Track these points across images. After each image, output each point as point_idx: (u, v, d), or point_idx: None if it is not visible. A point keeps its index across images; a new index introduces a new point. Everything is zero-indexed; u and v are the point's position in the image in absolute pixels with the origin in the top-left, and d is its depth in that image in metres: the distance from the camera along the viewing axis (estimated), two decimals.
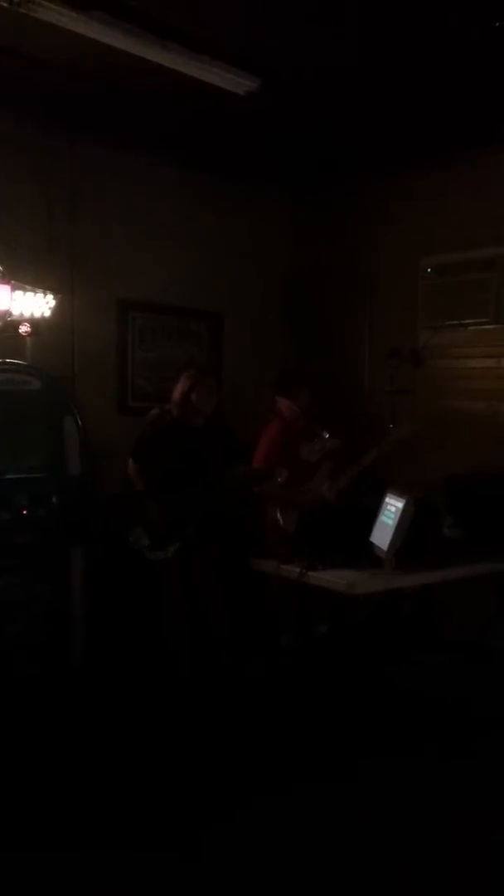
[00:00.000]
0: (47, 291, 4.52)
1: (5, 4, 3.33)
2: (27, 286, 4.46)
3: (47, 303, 4.53)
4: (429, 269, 5.43)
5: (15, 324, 4.45)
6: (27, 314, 4.46)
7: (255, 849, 3.06)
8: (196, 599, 4.40)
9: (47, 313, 4.54)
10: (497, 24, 3.60)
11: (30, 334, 4.49)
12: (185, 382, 4.39)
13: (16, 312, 4.42)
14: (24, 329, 4.46)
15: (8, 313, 4.39)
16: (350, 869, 2.95)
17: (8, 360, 4.39)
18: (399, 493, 3.85)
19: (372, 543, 3.92)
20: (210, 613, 4.44)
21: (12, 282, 4.38)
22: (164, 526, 4.24)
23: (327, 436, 4.77)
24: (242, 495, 4.46)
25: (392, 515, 3.81)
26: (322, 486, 4.81)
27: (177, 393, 4.41)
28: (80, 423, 4.54)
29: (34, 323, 4.49)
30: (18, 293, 4.41)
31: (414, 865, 2.98)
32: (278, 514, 4.71)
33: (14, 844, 3.07)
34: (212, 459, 4.28)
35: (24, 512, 4.31)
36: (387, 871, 2.94)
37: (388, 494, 3.93)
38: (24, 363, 4.47)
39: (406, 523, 3.73)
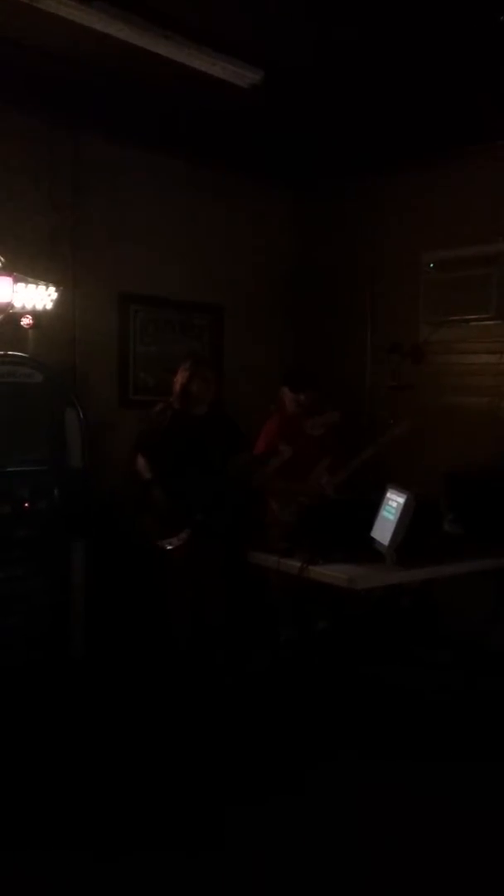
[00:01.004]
0: (49, 284, 4.51)
1: None
2: (29, 278, 4.45)
3: (49, 295, 4.52)
4: (430, 265, 5.42)
5: (17, 316, 4.44)
6: (29, 306, 4.46)
7: (252, 846, 3.06)
8: (198, 591, 4.43)
9: (49, 306, 4.54)
10: (502, 18, 3.59)
11: (31, 327, 4.49)
12: (183, 374, 4.45)
13: (18, 305, 4.42)
14: (25, 321, 4.46)
15: (10, 305, 4.38)
16: (349, 868, 2.96)
17: (9, 353, 4.39)
18: (400, 488, 3.85)
19: (373, 538, 3.92)
20: (209, 607, 4.47)
21: (14, 274, 4.37)
22: (172, 514, 4.28)
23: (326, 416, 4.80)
24: (246, 485, 4.49)
25: (393, 510, 3.81)
26: (321, 480, 4.82)
27: (176, 385, 4.46)
28: (81, 415, 4.54)
29: (36, 315, 4.49)
30: (20, 285, 4.41)
31: (413, 862, 2.99)
32: (277, 507, 4.74)
33: (11, 842, 3.06)
34: (216, 447, 4.33)
35: (26, 504, 4.32)
36: (386, 869, 2.96)
37: (390, 489, 3.93)
38: (26, 356, 4.47)
39: (407, 519, 3.73)
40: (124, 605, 4.92)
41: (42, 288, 4.49)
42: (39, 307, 4.50)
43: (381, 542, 3.84)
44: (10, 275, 4.35)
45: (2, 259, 4.35)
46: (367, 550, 3.87)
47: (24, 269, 4.45)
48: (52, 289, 4.52)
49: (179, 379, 4.45)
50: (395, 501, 3.83)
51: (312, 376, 5.06)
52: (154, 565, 4.55)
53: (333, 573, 3.71)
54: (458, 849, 3.06)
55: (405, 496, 3.75)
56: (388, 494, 3.91)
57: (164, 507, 4.30)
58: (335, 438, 4.94)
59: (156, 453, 4.40)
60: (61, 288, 4.60)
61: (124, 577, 5.01)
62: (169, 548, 4.29)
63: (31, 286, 4.46)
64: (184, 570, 4.40)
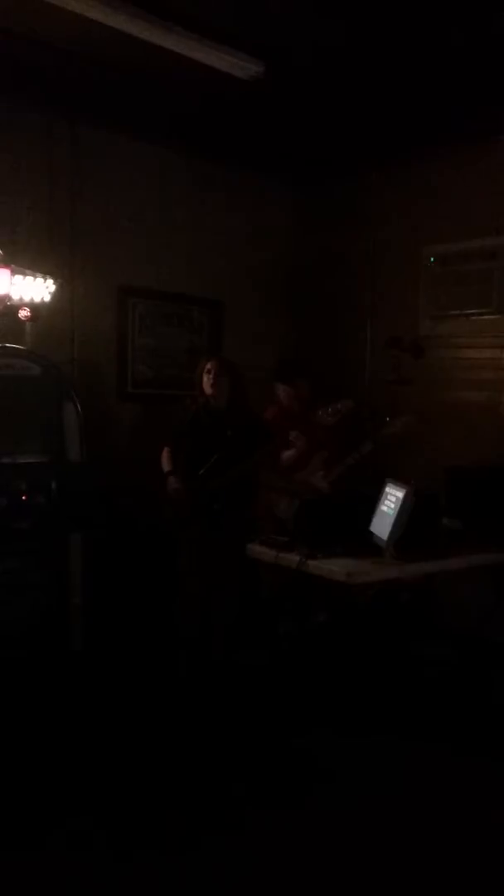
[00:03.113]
0: (47, 276, 4.49)
1: None
2: (27, 270, 4.42)
3: (47, 287, 4.49)
4: (431, 259, 5.41)
5: (15, 308, 4.42)
6: (27, 299, 4.43)
7: (253, 843, 3.06)
8: (209, 583, 4.48)
9: (47, 298, 4.51)
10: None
11: (30, 319, 4.46)
12: (197, 371, 4.61)
13: (15, 297, 4.39)
14: (23, 314, 4.44)
15: (8, 298, 4.35)
16: (350, 867, 2.96)
17: (7, 346, 4.36)
18: (399, 482, 3.84)
19: (372, 533, 3.91)
20: (219, 600, 4.51)
21: (12, 266, 4.34)
22: (191, 503, 4.41)
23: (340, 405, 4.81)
24: (257, 477, 4.61)
25: (392, 505, 3.80)
26: (316, 475, 4.81)
27: (195, 382, 4.62)
28: (79, 408, 4.52)
29: (34, 308, 4.46)
30: (18, 277, 4.38)
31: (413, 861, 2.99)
32: (273, 501, 4.74)
33: (9, 838, 3.05)
34: (236, 440, 4.43)
35: (24, 498, 4.30)
36: (388, 865, 2.95)
37: (389, 484, 3.92)
38: (24, 348, 4.45)
39: (406, 513, 3.72)
40: (124, 597, 4.92)
41: (40, 280, 4.46)
42: (38, 299, 4.47)
43: (380, 536, 3.83)
44: (7, 267, 4.32)
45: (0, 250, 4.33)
46: (367, 545, 3.87)
47: (23, 261, 4.43)
48: (50, 281, 4.50)
49: (196, 375, 4.61)
50: (394, 496, 3.82)
51: (302, 365, 5.07)
52: (164, 556, 4.59)
53: (332, 567, 3.70)
54: (459, 841, 3.06)
55: (404, 490, 3.75)
56: (388, 489, 3.91)
57: (182, 497, 4.42)
58: (346, 428, 4.92)
59: (179, 445, 4.56)
60: (60, 280, 4.58)
61: (123, 569, 5.00)
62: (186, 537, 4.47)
63: (30, 278, 4.42)
64: (197, 562, 4.47)
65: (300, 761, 3.67)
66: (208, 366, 4.56)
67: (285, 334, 6.20)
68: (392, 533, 3.75)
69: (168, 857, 2.94)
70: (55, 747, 3.72)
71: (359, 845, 3.04)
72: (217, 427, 4.48)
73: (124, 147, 5.29)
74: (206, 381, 4.52)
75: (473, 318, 5.22)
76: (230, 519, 4.43)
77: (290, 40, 3.93)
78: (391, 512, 3.79)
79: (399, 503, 3.75)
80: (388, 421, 4.97)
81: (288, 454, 4.76)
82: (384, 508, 3.88)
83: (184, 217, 5.64)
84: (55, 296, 4.55)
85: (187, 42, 3.81)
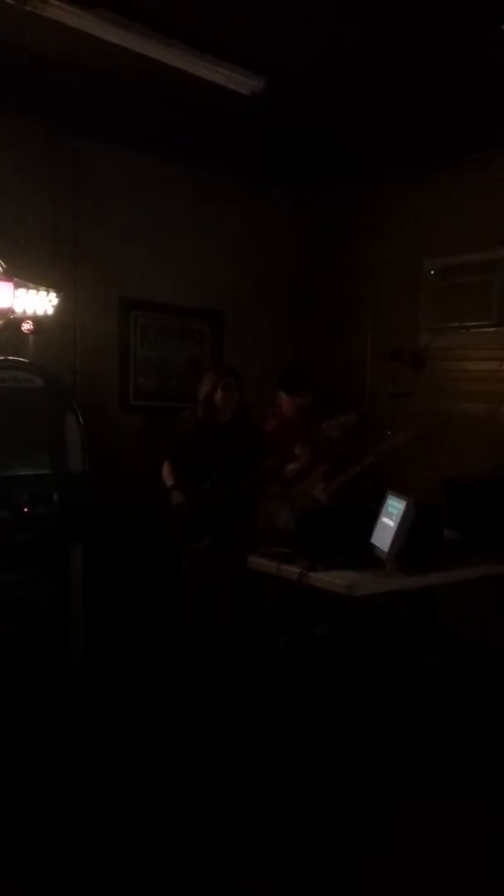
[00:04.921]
0: (50, 289, 4.52)
1: (11, 1, 3.33)
2: (30, 284, 4.45)
3: (50, 301, 4.53)
4: (431, 271, 5.42)
5: (17, 321, 4.45)
6: (30, 312, 4.46)
7: (251, 847, 3.06)
8: (209, 596, 4.49)
9: (50, 311, 4.54)
10: (503, 27, 3.60)
11: (32, 332, 4.49)
12: (207, 384, 4.59)
13: (18, 310, 4.42)
14: (26, 327, 4.47)
15: (10, 311, 4.39)
16: (351, 868, 2.96)
17: (10, 358, 4.39)
18: (400, 494, 3.85)
19: (373, 545, 3.91)
20: (219, 612, 4.52)
21: (15, 279, 4.38)
22: (195, 518, 4.43)
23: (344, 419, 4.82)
24: (261, 490, 4.63)
25: (393, 517, 3.81)
26: (317, 487, 4.82)
27: (200, 394, 4.59)
28: (81, 421, 4.54)
29: (37, 321, 4.49)
30: (21, 291, 4.41)
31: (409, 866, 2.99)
32: (274, 512, 4.75)
33: (13, 845, 3.05)
34: (238, 453, 4.45)
35: (25, 509, 4.31)
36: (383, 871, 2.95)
37: (389, 495, 3.93)
38: (27, 361, 4.47)
39: (407, 525, 3.73)
40: (124, 609, 4.93)
41: (43, 293, 4.50)
42: (40, 312, 4.50)
43: (381, 548, 3.84)
44: (10, 280, 4.35)
45: (2, 264, 4.36)
46: (368, 557, 3.87)
47: (25, 275, 4.46)
48: (52, 294, 4.53)
49: (203, 388, 4.58)
50: (394, 507, 3.83)
51: (305, 375, 5.09)
52: (165, 569, 4.60)
53: (332, 580, 3.71)
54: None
55: (405, 502, 3.75)
56: (388, 500, 3.91)
57: (185, 512, 4.44)
58: (349, 441, 4.93)
59: (180, 459, 4.56)
60: (62, 293, 4.61)
61: (124, 580, 5.01)
62: (191, 551, 4.48)
63: (32, 291, 4.46)
64: (198, 574, 4.50)
65: (299, 767, 3.66)
66: (224, 381, 4.55)
67: (285, 345, 6.22)
68: (393, 545, 3.76)
69: (169, 857, 2.95)
70: (57, 756, 3.72)
71: (360, 847, 3.05)
72: (219, 441, 4.49)
73: (125, 160, 5.33)
74: (220, 395, 4.52)
75: (473, 330, 5.24)
76: (232, 531, 4.44)
77: (290, 56, 3.96)
78: (392, 524, 3.80)
79: (400, 515, 3.75)
80: (389, 434, 4.98)
81: (292, 467, 4.76)
82: (385, 520, 3.89)
83: (185, 229, 5.67)
84: (58, 309, 4.58)
85: (188, 58, 3.84)
